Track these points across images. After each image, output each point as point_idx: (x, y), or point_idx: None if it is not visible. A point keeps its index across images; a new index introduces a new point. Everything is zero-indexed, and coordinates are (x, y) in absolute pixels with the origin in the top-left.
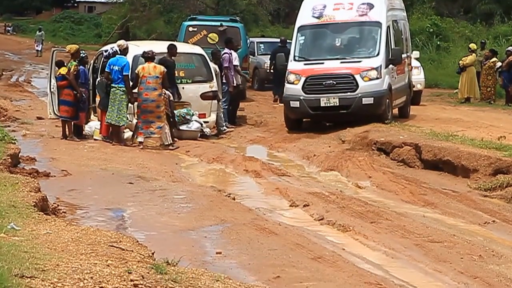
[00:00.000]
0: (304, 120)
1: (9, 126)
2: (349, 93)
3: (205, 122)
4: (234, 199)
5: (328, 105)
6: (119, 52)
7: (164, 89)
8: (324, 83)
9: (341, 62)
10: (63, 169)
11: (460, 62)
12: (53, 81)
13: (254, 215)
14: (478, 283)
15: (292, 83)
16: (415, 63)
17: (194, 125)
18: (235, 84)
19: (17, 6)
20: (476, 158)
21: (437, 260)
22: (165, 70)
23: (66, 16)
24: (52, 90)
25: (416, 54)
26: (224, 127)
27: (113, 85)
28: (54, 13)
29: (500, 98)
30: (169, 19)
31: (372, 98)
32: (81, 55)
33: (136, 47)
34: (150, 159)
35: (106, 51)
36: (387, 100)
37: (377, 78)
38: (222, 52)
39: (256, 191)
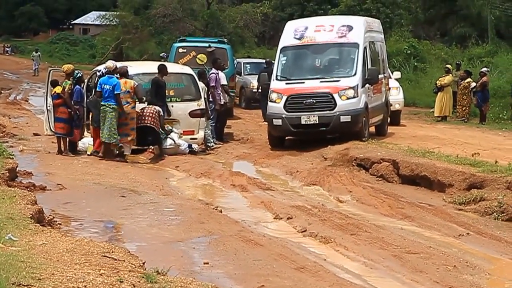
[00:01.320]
0: (286, 138)
1: (7, 141)
2: (328, 111)
3: (193, 139)
4: (221, 212)
5: (309, 122)
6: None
7: (143, 103)
8: (304, 101)
9: (321, 82)
10: (58, 183)
11: (438, 82)
12: (49, 99)
13: (240, 227)
14: None
15: (275, 101)
16: (394, 83)
17: (167, 142)
18: (222, 103)
19: (15, 28)
20: (451, 173)
21: (414, 271)
22: (136, 84)
23: (62, 38)
24: (48, 108)
25: (397, 74)
26: (212, 144)
27: (102, 103)
28: (50, 34)
29: (474, 117)
30: (160, 41)
31: (350, 116)
32: (78, 74)
33: (129, 68)
34: (141, 174)
35: (99, 71)
36: (364, 118)
37: (354, 97)
38: (210, 72)
39: (242, 204)
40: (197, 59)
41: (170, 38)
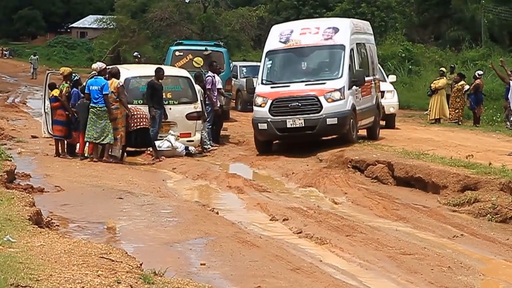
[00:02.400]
0: (274, 142)
1: (5, 144)
2: (313, 114)
3: (190, 141)
4: (217, 213)
5: (294, 126)
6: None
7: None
8: (289, 105)
9: (306, 85)
10: (56, 185)
11: (432, 85)
12: (47, 102)
13: (237, 228)
14: None
15: (260, 105)
16: (389, 87)
17: (164, 144)
18: (218, 105)
19: (13, 32)
20: (445, 175)
21: (408, 271)
22: (120, 85)
23: (60, 41)
24: (46, 110)
25: (392, 78)
26: (209, 146)
27: (92, 105)
28: (48, 38)
29: (468, 119)
30: (157, 44)
31: (336, 119)
32: (75, 77)
33: (127, 71)
34: (138, 176)
35: None
36: (351, 120)
37: (340, 99)
38: (206, 75)
39: (238, 206)
40: (193, 62)
41: (167, 41)
